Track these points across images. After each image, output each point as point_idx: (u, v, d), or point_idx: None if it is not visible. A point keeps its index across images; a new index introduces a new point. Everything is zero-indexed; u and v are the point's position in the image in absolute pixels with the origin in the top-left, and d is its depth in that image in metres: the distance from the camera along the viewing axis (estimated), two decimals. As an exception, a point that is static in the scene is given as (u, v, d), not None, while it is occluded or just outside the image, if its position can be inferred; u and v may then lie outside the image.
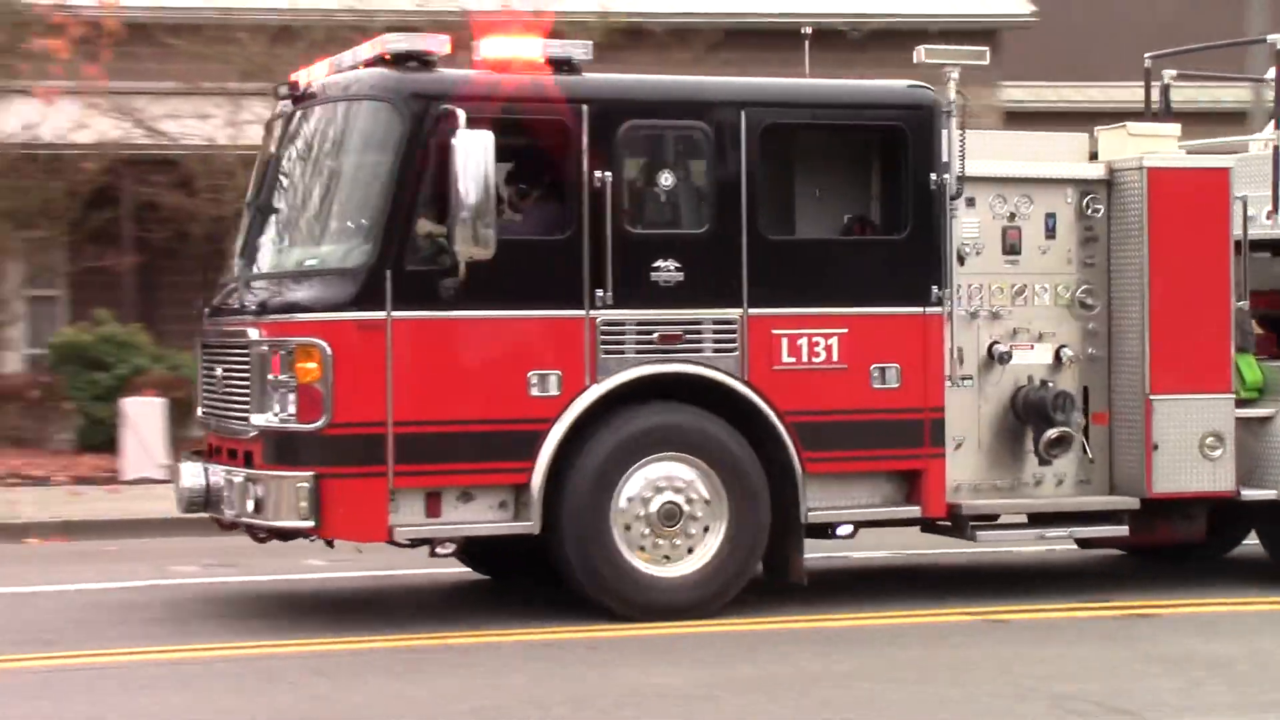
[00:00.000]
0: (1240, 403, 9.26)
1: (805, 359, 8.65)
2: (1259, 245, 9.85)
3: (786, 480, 8.48)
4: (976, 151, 8.95)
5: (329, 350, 7.99)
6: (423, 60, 8.28)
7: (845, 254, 9.12)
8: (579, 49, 8.53)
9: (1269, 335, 10.06)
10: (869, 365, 8.72)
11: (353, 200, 8.44)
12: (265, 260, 8.92)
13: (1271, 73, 10.54)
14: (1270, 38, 10.43)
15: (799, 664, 7.48)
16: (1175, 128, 9.88)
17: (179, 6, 18.14)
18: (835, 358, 8.65)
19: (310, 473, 7.96)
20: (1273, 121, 10.26)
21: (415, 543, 8.33)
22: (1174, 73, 10.89)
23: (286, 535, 8.36)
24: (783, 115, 8.87)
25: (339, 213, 8.51)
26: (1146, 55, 11.12)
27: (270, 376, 8.09)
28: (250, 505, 8.10)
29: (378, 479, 8.04)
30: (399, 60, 8.24)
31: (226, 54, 17.33)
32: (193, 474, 8.69)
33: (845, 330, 8.67)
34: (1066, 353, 9.11)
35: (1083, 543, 9.94)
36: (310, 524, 8.03)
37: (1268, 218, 9.69)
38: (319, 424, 7.99)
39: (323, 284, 8.29)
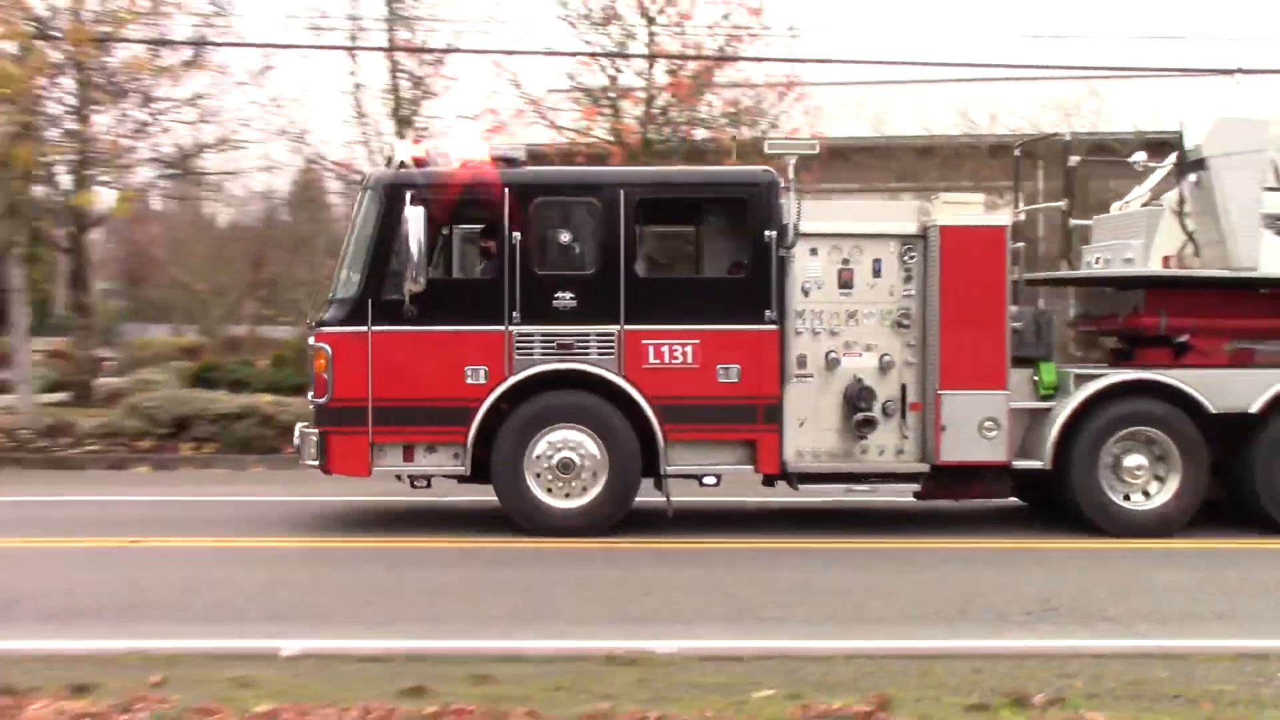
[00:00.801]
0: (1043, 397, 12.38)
1: (666, 361, 12.05)
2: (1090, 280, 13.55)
3: (654, 445, 11.95)
4: (831, 214, 12.45)
5: (330, 351, 12.00)
6: (418, 162, 12.19)
7: (697, 288, 12.55)
8: (517, 151, 12.32)
9: (1162, 349, 12.77)
10: (715, 365, 12.07)
11: (357, 253, 12.15)
12: (332, 293, 12.51)
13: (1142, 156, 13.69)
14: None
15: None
16: (980, 197, 13.10)
17: (859, 135, 24.20)
18: (690, 360, 12.04)
19: (320, 431, 11.97)
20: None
21: (398, 478, 12.31)
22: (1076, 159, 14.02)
23: (325, 470, 12.09)
24: (652, 192, 12.32)
25: (350, 261, 12.23)
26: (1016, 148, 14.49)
27: (310, 369, 12.23)
28: (302, 452, 12.24)
29: (361, 436, 11.97)
30: (417, 163, 12.17)
31: (887, 165, 23.33)
32: (298, 435, 12.54)
33: (698, 341, 12.06)
34: (887, 359, 12.27)
35: (918, 496, 12.67)
36: (317, 464, 12.02)
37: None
38: (325, 399, 12.00)
39: (333, 308, 12.17)
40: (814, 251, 12.32)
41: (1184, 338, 12.80)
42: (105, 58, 23.69)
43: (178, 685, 6.93)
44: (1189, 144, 12.65)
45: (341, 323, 12.04)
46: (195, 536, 12.12)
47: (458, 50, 24.39)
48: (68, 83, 23.66)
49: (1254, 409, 12.19)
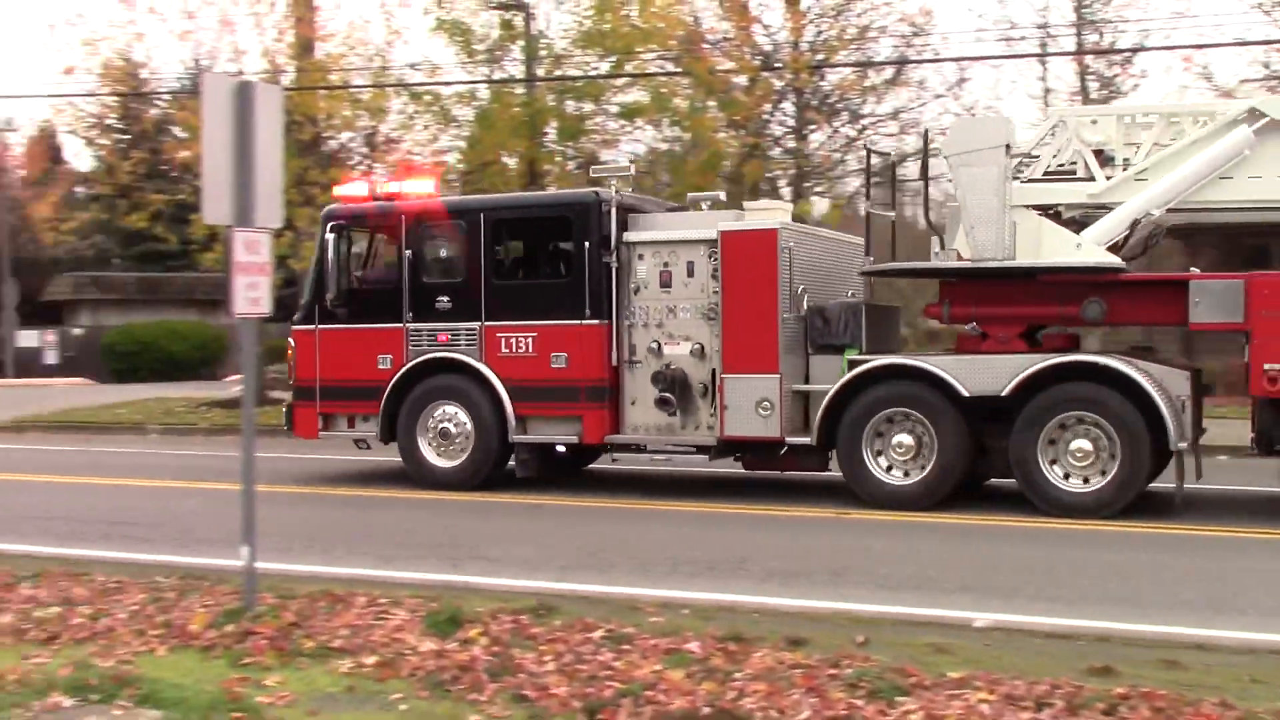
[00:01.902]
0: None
1: (514, 350, 14.20)
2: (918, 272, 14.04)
3: (506, 419, 14.19)
4: (655, 224, 14.16)
5: (293, 344, 15.34)
6: (345, 199, 15.31)
7: (535, 290, 14.44)
8: (426, 184, 15.31)
9: (973, 338, 13.01)
10: (549, 354, 14.06)
11: (311, 268, 15.58)
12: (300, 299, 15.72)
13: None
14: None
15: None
16: (789, 206, 15.04)
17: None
18: (531, 350, 14.13)
19: (288, 404, 15.51)
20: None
21: (345, 439, 15.26)
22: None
23: (291, 434, 15.51)
24: (503, 215, 14.69)
25: (309, 275, 15.61)
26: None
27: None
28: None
29: (313, 408, 15.11)
30: (344, 200, 15.35)
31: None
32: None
33: (536, 334, 14.13)
34: (700, 347, 13.72)
35: (746, 467, 14.01)
36: (286, 428, 15.45)
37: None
38: (291, 380, 15.38)
39: (298, 311, 15.42)
40: (641, 257, 13.99)
41: (970, 326, 13.11)
42: (819, 82, 24.66)
43: (879, 647, 7.13)
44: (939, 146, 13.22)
45: (300, 322, 15.35)
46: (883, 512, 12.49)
47: (1146, 49, 23.20)
48: (788, 106, 24.87)
49: (1004, 393, 12.40)
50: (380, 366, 14.70)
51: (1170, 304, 12.33)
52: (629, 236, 13.95)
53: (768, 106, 25.51)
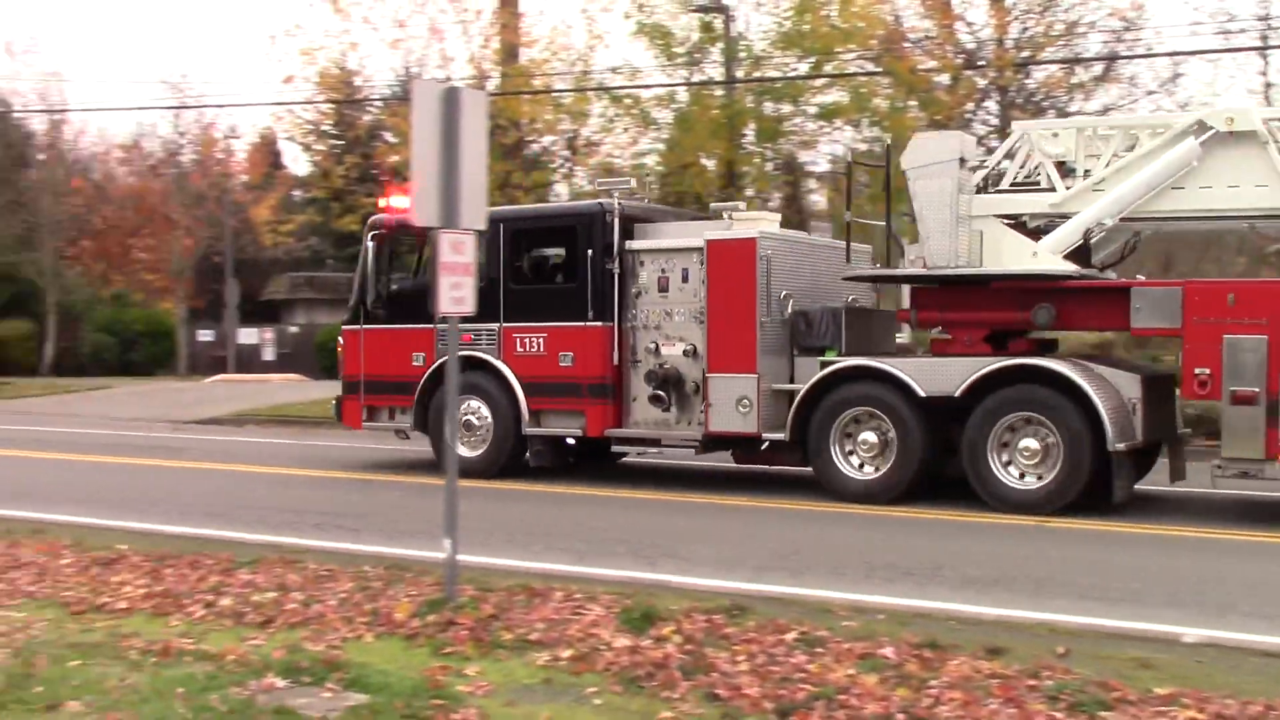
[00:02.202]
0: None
1: (528, 350, 15.25)
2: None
3: (520, 412, 15.27)
4: (655, 233, 14.99)
5: (341, 341, 16.70)
6: (388, 210, 16.11)
7: (546, 295, 15.32)
8: None
9: (942, 340, 13.72)
10: (558, 353, 15.08)
11: (357, 273, 16.55)
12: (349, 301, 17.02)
13: None
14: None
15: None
16: (776, 215, 15.45)
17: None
18: (542, 349, 15.16)
19: (337, 397, 16.73)
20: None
21: (385, 431, 16.49)
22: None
23: (340, 423, 16.97)
24: (519, 224, 15.63)
25: (355, 279, 16.62)
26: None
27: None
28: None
29: (357, 400, 16.33)
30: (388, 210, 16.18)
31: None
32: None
33: (546, 335, 15.16)
34: (690, 348, 14.57)
35: (737, 459, 14.99)
36: (336, 418, 16.93)
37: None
38: (340, 376, 16.65)
39: (347, 312, 16.76)
40: (642, 263, 14.93)
41: (936, 330, 13.86)
42: (1024, 80, 24.06)
43: (1080, 659, 6.96)
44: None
45: (348, 322, 16.64)
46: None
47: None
48: (991, 105, 24.35)
49: (957, 394, 13.00)
50: (414, 363, 15.86)
51: (1114, 310, 12.88)
52: (631, 244, 14.90)
53: (970, 105, 24.99)
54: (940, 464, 13.53)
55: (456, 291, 8.07)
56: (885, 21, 25.20)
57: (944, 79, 24.77)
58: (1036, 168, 13.44)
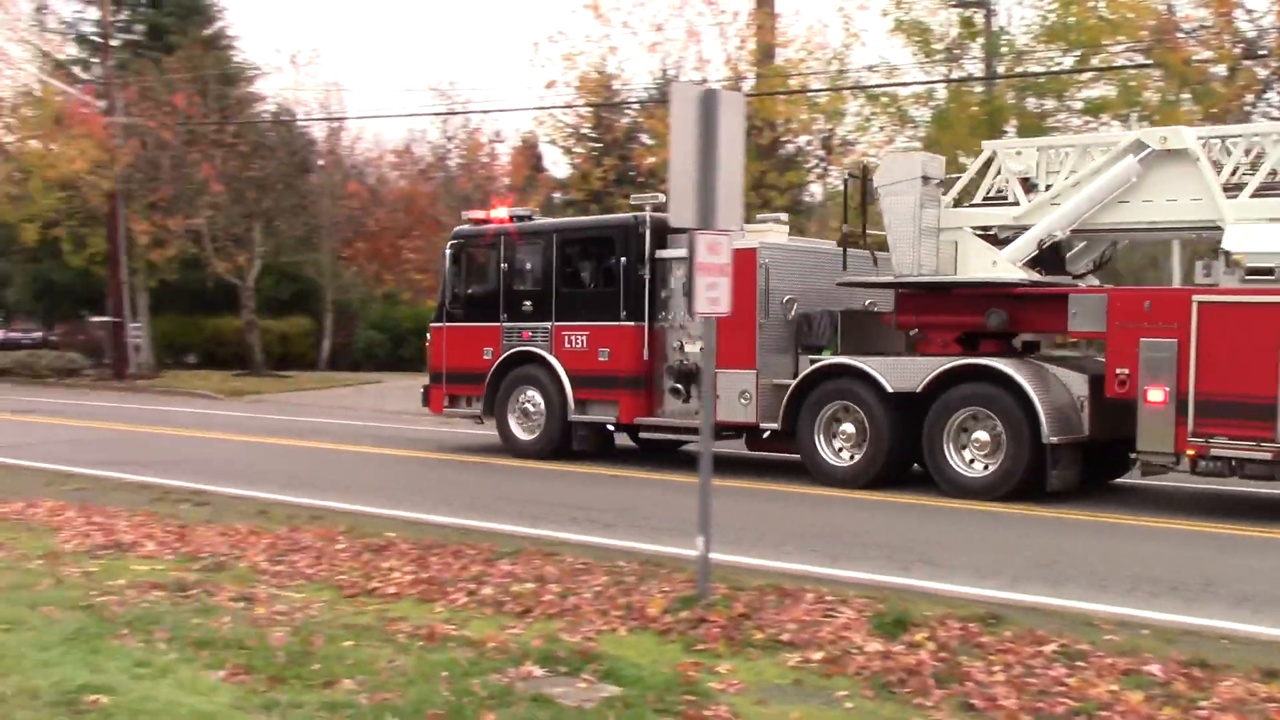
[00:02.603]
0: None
1: (574, 346, 17.30)
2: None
3: (567, 401, 17.33)
4: (680, 243, 15.87)
5: (430, 338, 18.99)
6: (474, 221, 18.71)
7: (588, 298, 17.32)
8: (529, 210, 18.69)
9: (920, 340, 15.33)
10: (597, 349, 17.13)
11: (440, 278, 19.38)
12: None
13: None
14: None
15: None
16: (784, 227, 16.81)
17: None
18: (585, 345, 17.23)
19: (425, 386, 19.02)
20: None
21: (462, 417, 19.02)
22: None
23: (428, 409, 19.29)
24: (567, 235, 17.77)
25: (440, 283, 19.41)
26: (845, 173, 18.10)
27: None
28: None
29: (440, 389, 18.61)
30: (473, 221, 18.82)
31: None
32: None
33: (588, 333, 17.20)
34: (705, 346, 15.36)
35: (750, 446, 16.34)
36: (423, 405, 19.06)
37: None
38: (428, 368, 18.94)
39: (434, 312, 19.13)
40: (670, 270, 16.69)
41: (913, 332, 15.36)
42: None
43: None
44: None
45: (434, 321, 19.09)
46: None
47: None
48: (1273, 97, 23.01)
49: (919, 389, 14.32)
50: (484, 357, 18.24)
51: (1056, 314, 14.10)
52: (661, 253, 16.83)
53: (1249, 97, 23.67)
54: (909, 453, 14.87)
55: (712, 292, 8.12)
56: (1156, 11, 24.13)
57: (1220, 70, 23.55)
58: (1005, 183, 14.83)
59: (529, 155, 50.34)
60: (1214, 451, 12.58)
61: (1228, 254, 13.03)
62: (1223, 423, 12.50)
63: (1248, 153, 13.61)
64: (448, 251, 18.49)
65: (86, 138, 35.54)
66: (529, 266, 17.99)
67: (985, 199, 14.95)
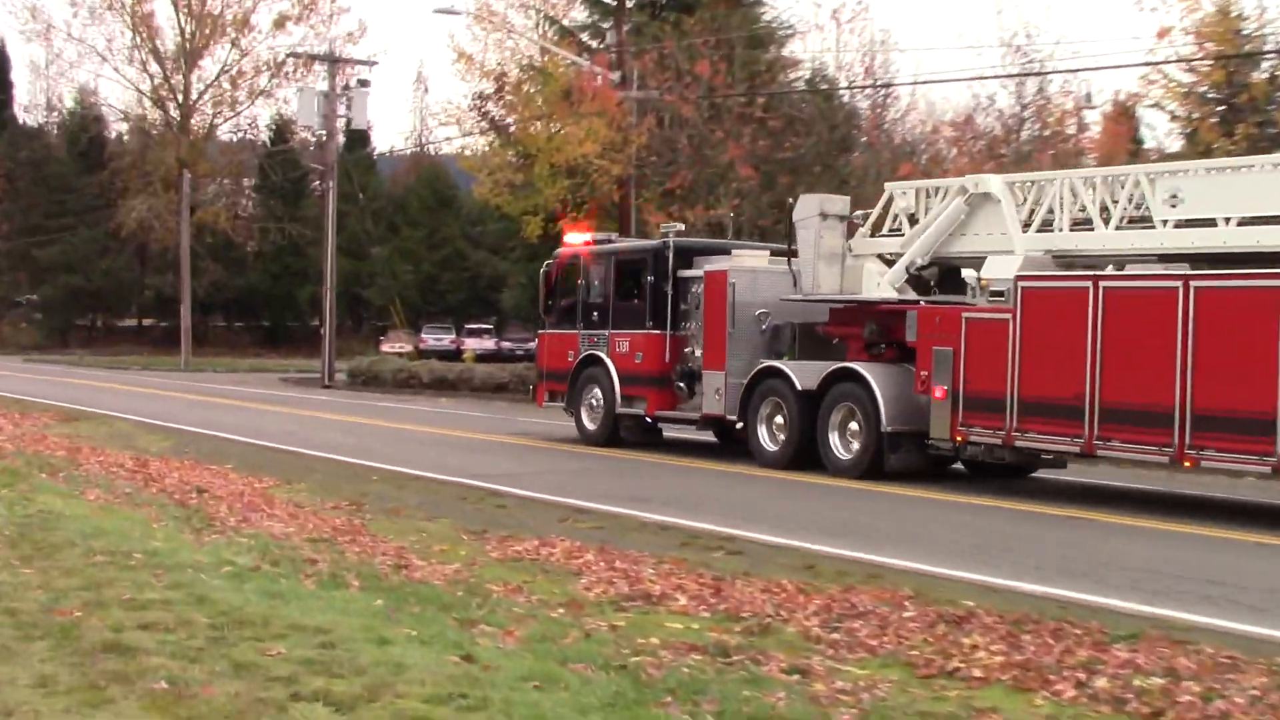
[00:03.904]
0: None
1: (621, 350, 25.10)
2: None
3: (616, 397, 25.24)
4: (703, 264, 24.07)
5: (536, 343, 29.11)
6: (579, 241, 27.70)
7: (630, 309, 25.10)
8: (607, 236, 28.73)
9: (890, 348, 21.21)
10: (635, 353, 24.79)
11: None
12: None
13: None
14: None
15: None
16: (764, 252, 24.43)
17: None
18: (628, 350, 24.88)
19: (533, 384, 29.69)
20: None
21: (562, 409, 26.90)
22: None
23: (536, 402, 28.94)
24: (619, 256, 25.99)
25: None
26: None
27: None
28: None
29: (543, 385, 27.59)
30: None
31: None
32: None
33: (629, 339, 24.92)
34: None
35: (736, 436, 23.57)
36: (531, 399, 29.27)
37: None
38: (536, 369, 29.03)
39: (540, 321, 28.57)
40: (690, 287, 24.08)
41: (836, 340, 22.03)
42: None
43: None
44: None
45: (538, 329, 28.04)
46: None
47: None
48: None
49: (815, 388, 21.00)
50: (569, 359, 25.95)
51: (905, 326, 20.09)
52: (682, 273, 24.05)
53: None
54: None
55: None
56: None
57: None
58: (897, 218, 21.30)
59: (1126, 123, 48.89)
60: (972, 439, 18.88)
61: (979, 280, 19.31)
62: (978, 416, 18.78)
63: (1039, 196, 19.44)
64: (544, 271, 27.10)
65: (598, 115, 37.76)
66: (596, 283, 25.80)
67: (890, 230, 21.38)
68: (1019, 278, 18.52)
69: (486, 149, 46.08)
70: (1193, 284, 16.53)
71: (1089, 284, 17.73)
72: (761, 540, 14.34)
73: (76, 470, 18.51)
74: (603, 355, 25.20)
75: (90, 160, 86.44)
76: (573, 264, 26.56)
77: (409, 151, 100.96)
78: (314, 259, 69.38)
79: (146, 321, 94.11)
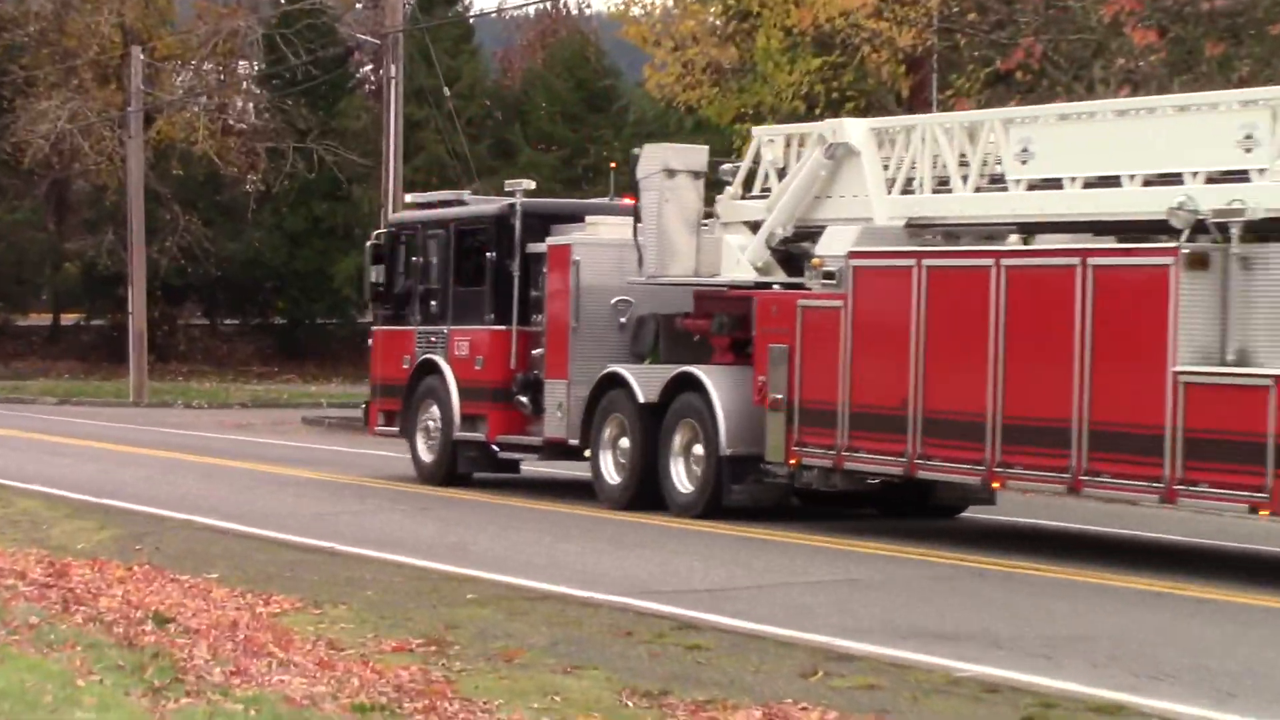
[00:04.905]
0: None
1: (460, 353, 18.99)
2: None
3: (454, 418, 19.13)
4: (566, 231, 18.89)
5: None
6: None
7: (471, 298, 19.30)
8: (455, 195, 21.15)
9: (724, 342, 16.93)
10: (475, 357, 18.89)
11: None
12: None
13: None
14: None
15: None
16: (625, 218, 17.97)
17: None
18: (467, 353, 19.00)
19: (366, 400, 22.45)
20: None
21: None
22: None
23: None
24: (459, 226, 19.63)
25: None
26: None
27: None
28: None
29: (374, 403, 21.14)
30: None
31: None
32: None
33: (470, 339, 19.03)
34: None
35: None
36: (364, 424, 22.86)
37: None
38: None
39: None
40: (542, 266, 18.68)
41: (697, 337, 17.27)
42: None
43: None
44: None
45: (371, 325, 22.82)
46: None
47: None
48: None
49: (656, 399, 16.65)
50: (404, 366, 20.00)
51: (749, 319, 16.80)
52: (532, 247, 18.70)
53: None
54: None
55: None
56: None
57: None
58: (768, 175, 16.92)
59: None
60: (806, 461, 15.41)
61: (811, 258, 15.78)
62: (813, 432, 15.30)
63: (905, 148, 15.60)
64: (369, 245, 21.17)
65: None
66: (435, 263, 19.54)
67: (761, 190, 16.92)
68: (851, 254, 15.16)
69: (670, 4, 28.10)
70: (1005, 263, 14.00)
71: (913, 262, 14.70)
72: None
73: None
74: (440, 360, 19.22)
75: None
76: (409, 237, 20.31)
77: (531, 10, 60.49)
78: (363, 206, 46.04)
79: (68, 318, 56.37)
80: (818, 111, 24.31)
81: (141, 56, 42.54)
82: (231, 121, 50.59)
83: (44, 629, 9.84)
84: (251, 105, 52.40)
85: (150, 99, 44.63)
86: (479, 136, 47.88)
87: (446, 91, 38.65)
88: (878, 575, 13.58)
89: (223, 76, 52.35)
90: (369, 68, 51.79)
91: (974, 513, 16.72)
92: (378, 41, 36.58)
